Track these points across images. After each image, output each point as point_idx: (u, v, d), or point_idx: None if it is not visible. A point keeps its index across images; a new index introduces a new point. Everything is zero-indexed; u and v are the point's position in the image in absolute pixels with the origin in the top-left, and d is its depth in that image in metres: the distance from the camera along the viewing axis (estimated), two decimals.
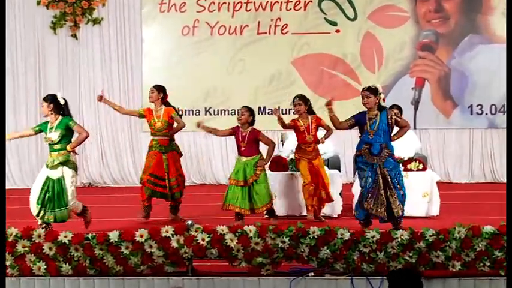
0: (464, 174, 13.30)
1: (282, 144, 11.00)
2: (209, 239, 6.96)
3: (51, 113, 8.45)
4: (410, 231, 6.98)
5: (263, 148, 9.37)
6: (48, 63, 13.37)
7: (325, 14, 13.25)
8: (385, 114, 8.55)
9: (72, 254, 7.01)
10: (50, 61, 13.38)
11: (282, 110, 13.28)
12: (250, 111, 9.29)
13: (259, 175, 9.17)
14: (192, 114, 13.41)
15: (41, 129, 8.54)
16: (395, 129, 8.72)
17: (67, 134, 8.44)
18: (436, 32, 13.27)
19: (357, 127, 8.77)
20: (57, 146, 8.39)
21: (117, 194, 12.37)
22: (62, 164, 8.37)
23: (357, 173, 9.81)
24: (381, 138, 8.47)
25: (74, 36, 13.38)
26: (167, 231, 7.00)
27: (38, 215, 8.39)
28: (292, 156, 10.00)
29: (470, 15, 13.17)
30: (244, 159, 9.17)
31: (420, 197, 9.69)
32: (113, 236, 7.01)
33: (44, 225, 8.26)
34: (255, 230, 7.00)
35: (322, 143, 9.52)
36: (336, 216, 9.82)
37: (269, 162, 9.97)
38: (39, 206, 8.35)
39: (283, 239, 6.95)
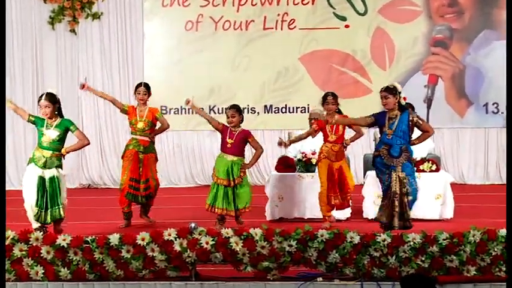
0: (479, 176, 13.30)
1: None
2: (213, 242, 6.96)
3: (56, 114, 8.47)
4: (422, 234, 6.97)
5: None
6: (45, 60, 13.41)
7: (334, 8, 13.26)
8: (406, 115, 8.51)
9: (71, 257, 7.02)
10: (48, 57, 13.42)
11: (289, 108, 13.32)
12: (239, 111, 9.29)
13: (243, 178, 9.19)
14: (196, 113, 13.39)
15: (35, 122, 8.51)
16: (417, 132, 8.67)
17: (64, 136, 8.48)
18: (450, 27, 13.27)
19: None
20: (54, 146, 8.40)
21: (118, 196, 12.37)
22: (57, 166, 8.42)
23: (370, 174, 9.84)
24: (400, 140, 8.44)
25: (73, 31, 13.42)
26: (169, 235, 7.00)
27: (36, 218, 8.39)
28: (299, 156, 10.01)
29: (486, 9, 13.17)
30: (229, 157, 9.15)
31: (433, 199, 9.69)
32: (114, 239, 7.02)
33: (39, 229, 8.28)
34: (261, 233, 7.00)
35: (347, 144, 9.49)
36: (345, 219, 9.82)
37: (276, 163, 10.01)
38: (38, 208, 8.36)
39: (290, 242, 6.95)
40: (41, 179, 8.36)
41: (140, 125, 9.40)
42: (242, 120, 9.31)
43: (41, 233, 7.96)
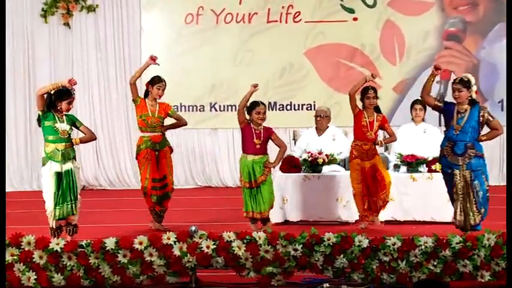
0: (494, 176, 13.25)
1: (295, 143, 11.03)
2: (214, 246, 6.97)
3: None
4: (434, 238, 6.98)
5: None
6: (38, 54, 13.42)
7: (341, 0, 13.26)
8: (477, 109, 8.41)
9: (64, 263, 7.03)
10: (41, 52, 13.42)
11: (294, 105, 13.33)
12: (265, 106, 9.24)
13: (267, 176, 9.13)
14: (196, 110, 13.47)
15: (47, 116, 8.48)
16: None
17: (72, 129, 8.59)
18: (464, 20, 13.28)
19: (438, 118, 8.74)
20: (67, 138, 8.49)
21: (114, 198, 12.42)
22: (74, 157, 8.56)
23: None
24: (467, 136, 8.36)
25: (67, 24, 13.43)
26: (169, 238, 7.01)
27: (57, 216, 8.45)
28: (305, 156, 10.02)
29: (501, 1, 13.16)
30: (250, 157, 9.09)
31: (446, 201, 9.66)
32: (110, 243, 7.03)
33: (55, 230, 8.43)
34: (264, 236, 7.01)
35: (381, 145, 9.46)
36: (353, 221, 9.84)
37: (280, 164, 10.02)
38: (55, 205, 8.43)
39: (295, 246, 6.97)
40: (58, 175, 8.43)
41: (153, 120, 9.39)
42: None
43: (58, 233, 8.36)
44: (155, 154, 9.38)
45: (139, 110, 9.44)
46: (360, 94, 9.42)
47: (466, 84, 8.38)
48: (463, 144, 8.34)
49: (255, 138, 9.05)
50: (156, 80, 9.55)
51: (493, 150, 13.19)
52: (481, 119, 8.37)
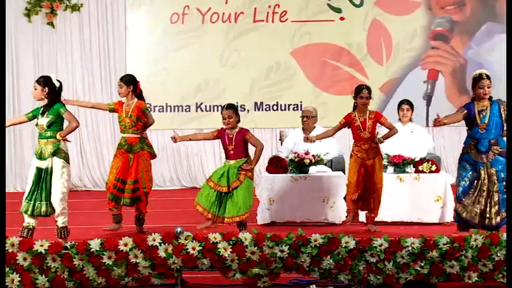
0: None
1: (281, 144, 11.04)
2: (200, 248, 6.97)
3: (46, 97, 8.48)
4: (422, 239, 7.00)
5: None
6: (22, 54, 13.39)
7: None
8: (496, 105, 8.35)
9: (49, 264, 7.01)
10: (24, 52, 13.40)
11: (281, 105, 13.34)
12: (236, 111, 9.06)
13: (243, 181, 8.99)
14: (182, 111, 13.47)
15: (34, 114, 8.54)
16: None
17: (57, 121, 8.49)
18: (451, 20, 13.33)
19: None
20: (47, 134, 8.44)
21: (99, 199, 12.38)
22: (53, 154, 8.44)
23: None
24: (491, 134, 8.28)
25: (51, 24, 13.41)
26: (154, 240, 7.01)
27: (25, 211, 8.42)
28: (292, 156, 10.04)
29: (488, 1, 13.24)
30: (228, 162, 9.03)
31: (433, 202, 9.73)
32: (94, 244, 7.02)
33: (25, 228, 8.38)
34: (251, 238, 7.01)
35: (380, 142, 9.37)
36: (340, 222, 9.86)
37: (267, 164, 10.02)
38: (27, 201, 8.41)
39: (282, 247, 6.97)
40: (38, 170, 8.40)
41: (126, 121, 9.27)
42: (239, 121, 9.07)
43: (28, 232, 8.28)
44: (128, 156, 9.23)
45: (118, 114, 9.36)
46: (353, 93, 9.42)
47: (490, 78, 8.36)
48: (487, 141, 8.29)
49: (228, 143, 9.03)
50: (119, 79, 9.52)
51: None
52: (503, 113, 8.29)
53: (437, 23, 13.35)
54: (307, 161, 9.96)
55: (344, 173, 10.43)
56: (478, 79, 8.38)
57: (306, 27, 13.37)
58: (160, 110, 13.51)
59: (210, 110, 13.45)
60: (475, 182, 8.33)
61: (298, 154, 10.03)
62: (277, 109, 13.39)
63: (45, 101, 8.50)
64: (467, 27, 13.32)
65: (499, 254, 6.91)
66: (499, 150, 8.31)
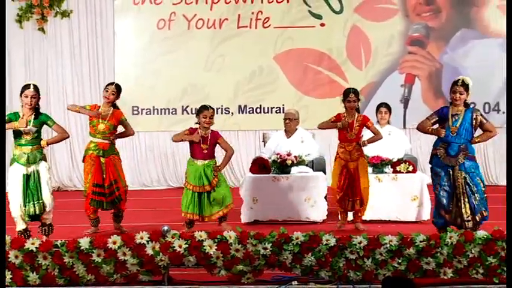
0: None
1: (264, 145, 11.04)
2: (186, 245, 6.97)
3: (37, 106, 8.47)
4: (399, 236, 7.02)
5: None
6: (13, 59, 13.33)
7: (309, 6, 13.31)
8: (470, 112, 8.29)
9: (40, 262, 7.00)
10: (16, 57, 13.34)
11: (264, 108, 13.34)
12: (213, 111, 9.20)
13: (219, 177, 9.12)
14: (168, 113, 13.44)
15: (10, 120, 8.42)
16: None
17: (40, 130, 8.48)
18: (427, 26, 13.36)
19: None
20: (33, 140, 8.41)
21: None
22: (40, 159, 8.44)
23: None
24: (461, 138, 8.24)
25: (42, 30, 13.36)
26: (142, 238, 7.00)
27: (25, 214, 8.39)
28: (274, 157, 10.04)
29: (463, 8, 13.28)
30: (200, 162, 9.06)
31: (409, 201, 9.76)
32: (84, 243, 7.01)
33: (22, 232, 8.36)
34: (235, 236, 7.01)
35: (364, 145, 9.34)
36: (321, 221, 9.87)
37: (250, 165, 10.04)
38: (23, 205, 8.37)
39: (265, 245, 6.98)
40: (25, 177, 8.36)
41: (101, 126, 9.16)
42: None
43: (26, 235, 8.21)
44: (100, 160, 9.14)
45: (90, 118, 9.25)
46: (342, 96, 9.42)
47: (467, 87, 8.30)
48: (457, 146, 8.25)
49: (201, 143, 9.04)
50: (107, 85, 9.43)
51: None
52: (474, 121, 8.26)
53: (413, 29, 13.38)
54: (289, 162, 9.96)
55: (325, 173, 10.46)
56: (453, 84, 8.36)
57: (288, 33, 13.37)
58: (148, 112, 13.48)
59: (195, 113, 13.40)
60: (451, 186, 8.28)
61: (280, 155, 10.03)
62: (260, 112, 13.39)
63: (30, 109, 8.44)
64: (443, 33, 13.36)
65: (473, 251, 6.94)
66: (468, 155, 8.29)
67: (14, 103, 13.18)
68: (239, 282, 7.02)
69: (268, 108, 13.36)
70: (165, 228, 7.06)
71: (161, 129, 13.51)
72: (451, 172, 8.28)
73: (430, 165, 8.61)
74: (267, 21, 13.35)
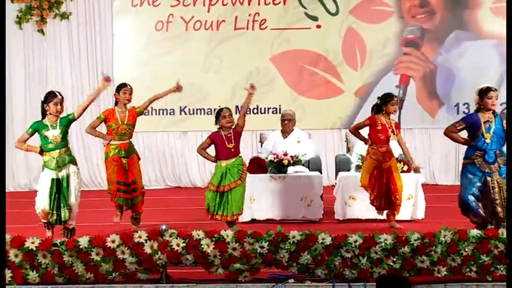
0: (450, 176, 13.39)
1: (261, 145, 11.05)
2: (184, 244, 6.97)
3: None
4: (394, 235, 7.03)
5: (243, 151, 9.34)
6: (13, 60, 13.31)
7: (305, 8, 13.31)
8: (499, 118, 8.24)
9: (39, 261, 7.00)
10: (15, 58, 13.32)
11: (261, 109, 13.35)
12: (230, 110, 9.17)
13: (242, 182, 8.99)
14: (167, 114, 13.44)
15: (35, 129, 8.50)
16: None
17: (66, 130, 8.55)
18: (421, 28, 13.38)
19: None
20: (61, 144, 8.47)
21: (87, 198, 12.31)
22: (70, 162, 8.51)
23: (342, 175, 9.87)
24: (496, 144, 8.18)
25: (41, 31, 13.35)
26: (140, 237, 7.00)
27: (54, 220, 8.47)
28: (271, 157, 10.04)
29: (457, 10, 13.29)
30: (225, 163, 9.00)
31: (404, 200, 9.75)
32: (83, 241, 7.01)
33: (64, 230, 8.53)
34: (232, 235, 7.02)
35: (416, 169, 9.54)
36: (317, 220, 9.88)
37: (247, 165, 10.05)
38: (51, 211, 8.43)
39: (262, 244, 6.98)
40: (54, 181, 8.42)
41: (121, 128, 9.24)
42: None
43: (50, 226, 8.42)
44: (122, 160, 9.23)
45: (109, 122, 9.26)
46: (380, 100, 9.42)
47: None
48: (493, 153, 8.19)
49: (227, 143, 9.02)
50: (122, 86, 9.47)
51: (448, 151, 13.30)
52: (505, 126, 8.18)
53: (408, 31, 13.39)
54: (285, 162, 9.97)
55: (321, 173, 10.47)
56: (487, 90, 8.27)
57: (284, 34, 13.37)
58: (146, 113, 13.34)
59: (193, 113, 13.43)
60: (485, 193, 8.21)
61: (277, 155, 10.04)
62: (257, 112, 13.38)
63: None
64: (437, 34, 13.37)
65: (466, 250, 6.95)
66: (504, 160, 8.22)
67: (14, 101, 13.22)
68: (236, 281, 7.02)
69: (265, 108, 13.36)
70: (163, 227, 7.06)
71: (159, 130, 13.52)
72: (486, 178, 8.22)
73: (461, 171, 8.52)
74: (264, 23, 13.35)
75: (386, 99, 9.38)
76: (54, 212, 8.43)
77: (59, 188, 8.44)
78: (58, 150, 8.45)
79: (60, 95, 8.56)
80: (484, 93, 8.30)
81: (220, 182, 8.94)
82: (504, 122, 8.25)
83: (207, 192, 9.06)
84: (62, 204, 8.45)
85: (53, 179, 8.42)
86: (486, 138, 8.19)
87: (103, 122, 9.34)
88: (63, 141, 8.49)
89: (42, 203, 8.43)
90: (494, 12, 13.13)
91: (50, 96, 8.53)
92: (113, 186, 9.26)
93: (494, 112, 8.30)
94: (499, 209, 8.20)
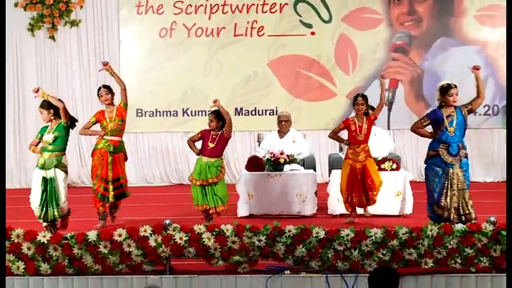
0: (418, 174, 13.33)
1: (259, 145, 11.05)
2: (187, 238, 6.97)
3: (53, 118, 8.62)
4: (383, 229, 7.03)
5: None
6: (25, 65, 13.31)
7: (300, 16, 13.31)
8: (458, 110, 8.30)
9: (50, 253, 6.99)
10: (28, 63, 13.32)
11: (259, 110, 13.34)
12: (218, 116, 9.29)
13: (220, 179, 9.25)
14: (169, 115, 13.44)
15: (42, 134, 8.70)
16: None
17: (61, 136, 8.59)
18: (409, 34, 13.37)
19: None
20: (50, 147, 8.57)
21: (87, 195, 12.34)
22: (55, 166, 8.57)
23: (334, 172, 9.89)
24: (459, 138, 8.24)
25: (52, 38, 13.34)
26: (145, 231, 7.00)
27: (39, 216, 8.56)
28: (268, 156, 10.05)
29: (443, 18, 13.29)
30: (205, 159, 9.22)
31: (393, 196, 9.78)
32: (92, 235, 7.01)
33: (48, 227, 8.47)
34: (231, 228, 7.02)
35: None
36: (311, 214, 9.88)
37: (246, 163, 10.06)
38: (40, 207, 8.51)
39: (259, 237, 6.98)
40: (44, 180, 8.50)
41: (110, 125, 9.26)
42: (223, 125, 9.27)
43: (50, 230, 8.33)
44: (108, 156, 9.23)
45: (99, 122, 9.33)
46: (351, 101, 9.47)
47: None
48: (456, 145, 8.24)
49: (210, 142, 9.20)
50: (98, 90, 9.52)
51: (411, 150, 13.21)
52: (465, 116, 8.27)
53: (397, 37, 13.39)
54: (282, 160, 9.98)
55: (315, 171, 10.48)
56: (448, 88, 8.33)
57: (280, 40, 13.37)
58: (150, 114, 13.47)
59: (195, 115, 13.42)
60: (446, 182, 8.24)
61: (273, 154, 10.05)
62: (255, 114, 13.38)
63: (54, 121, 8.61)
64: (424, 41, 13.37)
65: (451, 243, 6.96)
66: (465, 153, 8.30)
67: (27, 108, 13.21)
68: (235, 272, 7.02)
69: (262, 110, 13.36)
70: (167, 221, 7.06)
71: (163, 130, 13.51)
72: (449, 170, 8.24)
73: (425, 164, 8.51)
74: (262, 29, 13.35)
75: (353, 100, 9.48)
76: (42, 209, 8.50)
77: (46, 187, 8.50)
78: (49, 153, 8.53)
79: (45, 106, 8.60)
80: (445, 90, 8.35)
81: (201, 177, 9.16)
82: (464, 112, 8.28)
83: (192, 186, 9.28)
84: (51, 203, 8.50)
85: (43, 177, 8.52)
86: (450, 132, 8.23)
87: (96, 123, 9.40)
88: (54, 146, 8.57)
89: (34, 199, 8.56)
90: (478, 20, 13.14)
91: (41, 104, 8.67)
92: (97, 183, 9.22)
93: (455, 107, 8.33)
94: (455, 199, 8.23)
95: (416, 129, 8.55)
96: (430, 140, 8.50)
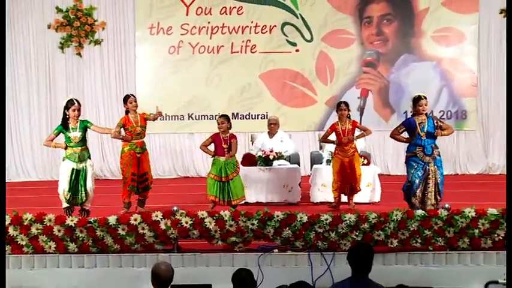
0: (400, 168, 13.24)
1: (252, 144, 11.03)
2: (191, 222, 6.96)
3: (77, 118, 8.58)
4: (356, 214, 7.03)
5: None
6: (57, 78, 13.22)
7: (287, 36, 13.27)
8: (430, 118, 8.30)
9: (77, 235, 6.98)
10: (59, 75, 13.25)
11: (252, 115, 13.30)
12: (228, 119, 9.14)
13: (238, 174, 9.05)
14: (177, 119, 13.38)
15: (60, 131, 8.59)
16: None
17: (85, 133, 8.63)
18: (377, 52, 13.34)
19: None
20: (81, 143, 8.55)
21: (114, 185, 12.27)
22: (88, 157, 8.61)
23: (316, 167, 9.87)
24: (431, 140, 8.21)
25: (79, 54, 13.27)
26: (157, 216, 6.99)
27: (68, 200, 8.44)
28: (260, 153, 10.03)
29: (405, 38, 13.27)
30: (223, 159, 8.99)
31: (365, 187, 9.76)
32: (112, 220, 6.99)
33: (67, 209, 8.42)
34: (229, 214, 7.01)
35: (352, 140, 9.27)
36: (296, 202, 9.87)
37: (241, 159, 10.03)
38: (69, 193, 8.41)
39: (252, 221, 6.98)
40: (74, 171, 8.44)
41: (138, 129, 9.25)
42: (230, 127, 9.11)
43: (69, 212, 8.33)
44: (136, 155, 9.21)
45: (127, 126, 9.24)
46: (335, 107, 9.48)
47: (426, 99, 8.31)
48: (430, 147, 8.20)
49: (223, 143, 9.00)
50: (127, 97, 9.49)
51: (398, 148, 13.23)
52: (436, 124, 8.24)
53: (367, 54, 13.35)
54: (271, 157, 9.97)
55: (299, 166, 10.46)
56: (417, 99, 8.32)
57: (270, 56, 13.32)
58: (161, 118, 13.24)
59: (198, 119, 13.37)
60: (424, 177, 8.20)
61: (264, 151, 10.04)
62: (249, 118, 13.33)
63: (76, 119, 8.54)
64: (390, 57, 13.34)
65: (413, 226, 6.96)
66: (438, 151, 8.28)
67: (58, 114, 13.08)
68: (232, 250, 7.02)
69: (255, 115, 13.30)
70: (175, 208, 7.05)
71: (172, 132, 13.46)
72: (426, 167, 8.20)
73: (405, 163, 8.48)
74: (254, 47, 13.29)
75: (336, 106, 9.45)
76: (71, 195, 8.43)
77: (77, 177, 8.45)
78: (80, 148, 8.47)
79: (78, 103, 8.59)
80: (416, 101, 8.35)
81: (221, 173, 8.91)
82: (435, 121, 8.27)
83: (209, 180, 9.04)
84: (79, 189, 8.44)
85: (73, 169, 8.45)
86: (422, 136, 8.19)
87: (122, 127, 9.32)
88: (82, 141, 8.54)
89: (63, 187, 8.44)
90: (434, 40, 13.12)
91: (69, 103, 8.54)
92: (129, 176, 9.17)
93: (426, 114, 8.32)
94: (429, 195, 8.19)
95: (394, 135, 8.52)
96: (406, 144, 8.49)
